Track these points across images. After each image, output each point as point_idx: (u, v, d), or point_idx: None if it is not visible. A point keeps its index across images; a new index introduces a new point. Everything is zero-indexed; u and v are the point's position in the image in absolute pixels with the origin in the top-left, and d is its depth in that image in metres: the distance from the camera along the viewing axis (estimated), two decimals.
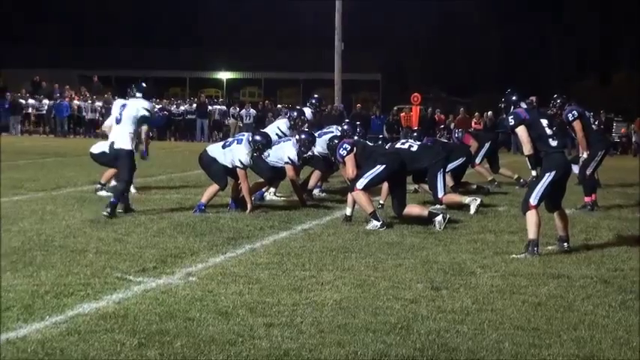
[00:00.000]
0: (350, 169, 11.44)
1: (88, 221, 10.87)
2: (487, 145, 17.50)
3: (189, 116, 42.01)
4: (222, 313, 6.47)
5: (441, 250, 9.41)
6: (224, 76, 57.10)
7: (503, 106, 10.30)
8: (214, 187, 12.24)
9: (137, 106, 11.96)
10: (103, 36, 57.19)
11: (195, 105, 42.50)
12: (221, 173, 12.31)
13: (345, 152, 11.48)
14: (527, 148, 9.57)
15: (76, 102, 42.37)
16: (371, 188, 11.45)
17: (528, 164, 9.57)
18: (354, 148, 11.53)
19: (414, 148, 12.80)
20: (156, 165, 20.38)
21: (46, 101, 42.29)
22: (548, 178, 9.39)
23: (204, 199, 12.11)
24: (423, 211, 11.45)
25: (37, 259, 8.28)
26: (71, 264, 8.07)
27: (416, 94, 39.89)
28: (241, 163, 12.09)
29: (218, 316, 6.36)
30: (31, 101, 42.21)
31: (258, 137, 12.42)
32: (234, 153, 12.18)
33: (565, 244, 9.65)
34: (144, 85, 12.64)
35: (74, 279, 7.44)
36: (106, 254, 8.62)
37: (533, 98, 20.95)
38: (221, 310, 6.55)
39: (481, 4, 56.69)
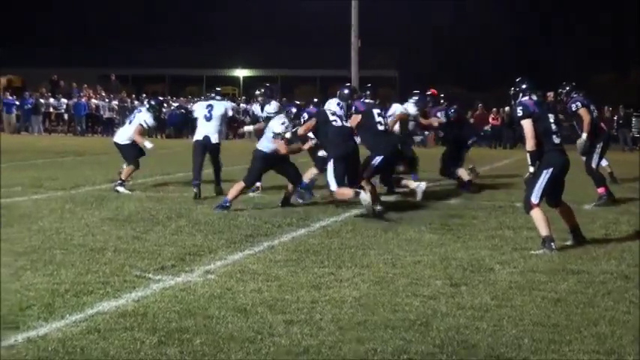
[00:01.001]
0: (302, 129, 12.48)
1: (107, 219, 10.91)
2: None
3: None
4: (241, 310, 6.47)
5: (460, 247, 9.39)
6: (240, 73, 57.16)
7: (512, 93, 10.02)
8: (241, 184, 12.31)
9: (226, 106, 14.67)
10: (119, 35, 57.30)
11: None
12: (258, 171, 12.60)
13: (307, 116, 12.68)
14: (530, 144, 9.45)
15: (93, 101, 42.55)
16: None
17: (528, 159, 9.48)
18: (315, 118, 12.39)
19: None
20: (173, 163, 20.44)
21: (64, 100, 42.50)
22: (546, 175, 9.36)
23: (229, 196, 12.19)
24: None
25: (56, 257, 8.31)
26: (90, 262, 8.10)
27: (433, 90, 39.74)
28: (276, 133, 12.35)
29: (237, 314, 6.36)
30: (51, 100, 42.45)
31: (289, 107, 13.41)
32: (270, 130, 12.52)
33: (573, 234, 9.68)
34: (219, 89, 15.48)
35: (93, 277, 7.46)
36: (125, 252, 8.64)
37: (551, 94, 20.87)
38: (240, 307, 6.55)
39: None
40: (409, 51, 55.36)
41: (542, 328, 6.13)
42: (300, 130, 12.55)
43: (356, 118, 13.05)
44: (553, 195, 9.60)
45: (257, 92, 15.46)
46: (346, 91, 13.41)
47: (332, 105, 12.73)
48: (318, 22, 53.42)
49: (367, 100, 13.94)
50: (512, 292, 7.20)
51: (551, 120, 9.53)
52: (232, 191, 12.28)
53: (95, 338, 5.71)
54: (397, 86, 52.81)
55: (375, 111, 13.35)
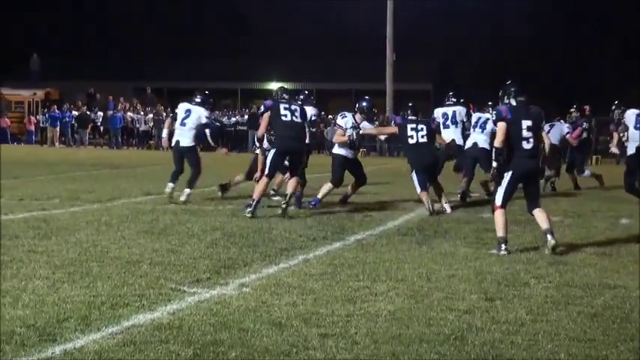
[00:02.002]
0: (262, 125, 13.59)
1: (142, 232, 10.99)
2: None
3: (240, 127, 42.28)
4: (276, 323, 6.49)
5: (495, 261, 9.36)
6: (275, 86, 57.31)
7: (500, 95, 10.69)
8: (328, 185, 14.14)
9: (199, 113, 14.70)
10: (155, 48, 57.71)
11: (246, 116, 42.80)
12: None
13: (263, 108, 13.35)
14: (497, 141, 10.32)
15: (129, 114, 42.91)
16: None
17: (493, 154, 10.32)
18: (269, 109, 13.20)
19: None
20: (208, 176, 20.52)
21: (100, 113, 42.90)
22: (506, 178, 10.14)
23: (320, 195, 13.90)
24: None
25: (93, 270, 8.39)
26: (126, 275, 8.16)
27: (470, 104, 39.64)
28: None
29: (272, 327, 6.38)
30: (87, 113, 42.94)
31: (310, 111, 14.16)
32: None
33: (550, 236, 9.99)
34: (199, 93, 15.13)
35: (129, 290, 7.52)
36: (160, 265, 8.70)
37: (573, 110, 20.82)
38: (275, 320, 6.57)
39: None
40: (445, 63, 55.24)
41: (579, 343, 6.10)
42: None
43: (390, 129, 14.09)
44: (527, 200, 10.42)
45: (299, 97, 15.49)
46: (363, 104, 14.64)
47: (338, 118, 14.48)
48: (354, 33, 53.49)
49: (410, 117, 14.38)
50: (547, 307, 7.17)
51: (524, 126, 10.17)
52: (322, 190, 14.13)
53: (131, 351, 5.76)
54: (432, 99, 52.66)
55: (410, 126, 13.79)
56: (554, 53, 56.90)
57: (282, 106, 13.12)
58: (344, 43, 55.51)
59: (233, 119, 43.05)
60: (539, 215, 10.23)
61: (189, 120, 14.65)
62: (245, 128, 41.90)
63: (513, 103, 10.45)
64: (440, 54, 54.97)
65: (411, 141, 13.96)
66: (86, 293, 7.35)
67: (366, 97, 14.96)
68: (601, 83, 52.84)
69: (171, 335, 6.12)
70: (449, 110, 16.87)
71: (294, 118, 13.03)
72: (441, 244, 10.52)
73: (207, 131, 14.79)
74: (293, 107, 13.16)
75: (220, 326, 6.38)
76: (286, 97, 13.74)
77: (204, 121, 14.74)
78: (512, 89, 10.54)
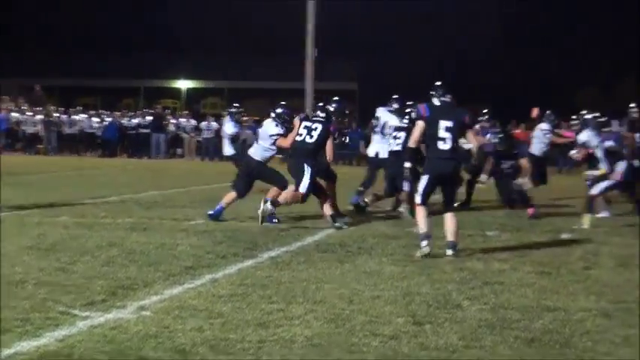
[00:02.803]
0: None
1: (27, 248, 10.81)
2: None
3: (142, 130, 41.96)
4: (179, 351, 6.44)
5: (424, 280, 9.43)
6: (183, 85, 57.05)
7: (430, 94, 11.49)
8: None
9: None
10: (46, 40, 56.79)
11: (149, 117, 42.48)
12: (279, 174, 14.34)
13: None
14: (412, 140, 11.50)
15: (14, 114, 42.22)
16: None
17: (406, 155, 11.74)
18: None
19: None
20: (106, 185, 20.32)
21: None
22: (423, 179, 11.12)
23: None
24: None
25: None
26: (8, 297, 8.01)
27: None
28: (272, 136, 14.21)
29: (175, 355, 6.34)
30: None
31: (278, 110, 14.41)
32: (264, 135, 14.33)
33: (451, 250, 10.94)
34: None
35: (11, 314, 7.38)
36: (48, 285, 8.57)
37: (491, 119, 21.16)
38: (178, 347, 6.53)
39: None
40: (372, 62, 55.57)
41: None
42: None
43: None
44: (443, 199, 11.35)
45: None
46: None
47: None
48: (271, 28, 53.48)
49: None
50: (481, 331, 7.25)
51: (442, 126, 10.98)
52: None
53: None
54: (357, 100, 53.01)
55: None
56: (487, 52, 57.66)
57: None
58: (261, 38, 55.47)
59: (134, 121, 42.64)
60: (448, 223, 11.06)
61: None
62: (148, 131, 41.57)
63: (436, 102, 11.25)
64: (366, 52, 55.28)
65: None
66: None
67: (336, 99, 15.06)
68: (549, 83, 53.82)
69: None
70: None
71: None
72: (365, 261, 10.57)
73: None
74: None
75: (116, 354, 6.31)
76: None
77: None
78: (439, 89, 11.33)
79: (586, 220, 14.44)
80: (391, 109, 16.58)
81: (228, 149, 18.99)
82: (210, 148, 40.09)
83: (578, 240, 12.87)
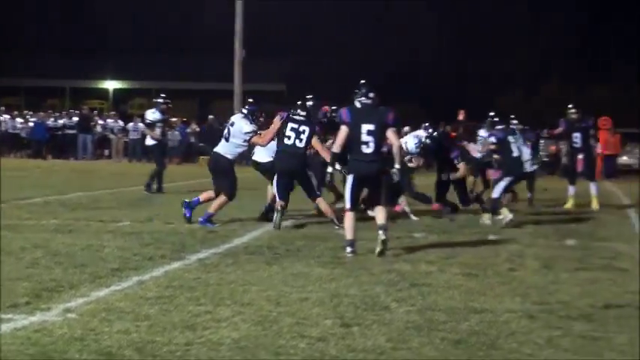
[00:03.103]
0: None
1: None
2: None
3: (68, 131, 41.52)
4: (105, 353, 6.38)
5: (352, 282, 9.46)
6: (110, 85, 56.57)
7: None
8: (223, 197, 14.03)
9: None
10: None
11: (75, 118, 42.05)
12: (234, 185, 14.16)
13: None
14: (336, 145, 11.43)
15: None
16: None
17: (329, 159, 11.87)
18: None
19: None
20: (30, 186, 20.06)
21: None
22: (348, 182, 11.33)
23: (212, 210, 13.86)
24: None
25: None
26: None
27: (326, 107, 40.14)
28: (248, 133, 14.15)
29: (100, 357, 6.27)
30: None
31: (248, 106, 14.57)
32: (236, 132, 14.16)
33: (381, 231, 11.09)
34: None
35: None
36: None
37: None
38: (104, 350, 6.46)
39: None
40: (300, 63, 55.70)
41: None
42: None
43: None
44: (370, 198, 11.71)
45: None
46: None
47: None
48: (200, 28, 53.28)
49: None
50: (409, 333, 7.29)
51: (364, 130, 11.10)
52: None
53: None
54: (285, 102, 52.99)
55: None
56: (412, 51, 58.14)
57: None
58: (189, 38, 55.26)
59: (60, 121, 42.17)
60: (378, 213, 11.25)
61: None
62: (74, 132, 41.15)
63: (358, 105, 11.28)
64: (294, 53, 55.40)
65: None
66: None
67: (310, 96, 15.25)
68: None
69: None
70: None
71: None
72: (292, 263, 10.58)
73: None
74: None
75: (40, 357, 6.24)
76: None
77: None
78: (363, 87, 11.31)
79: (486, 217, 15.51)
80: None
81: (148, 139, 19.20)
82: (137, 149, 39.81)
83: (504, 241, 13.02)
